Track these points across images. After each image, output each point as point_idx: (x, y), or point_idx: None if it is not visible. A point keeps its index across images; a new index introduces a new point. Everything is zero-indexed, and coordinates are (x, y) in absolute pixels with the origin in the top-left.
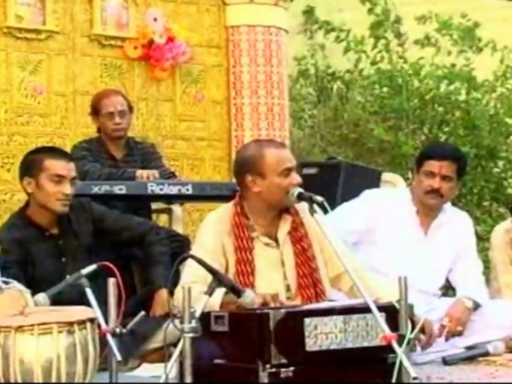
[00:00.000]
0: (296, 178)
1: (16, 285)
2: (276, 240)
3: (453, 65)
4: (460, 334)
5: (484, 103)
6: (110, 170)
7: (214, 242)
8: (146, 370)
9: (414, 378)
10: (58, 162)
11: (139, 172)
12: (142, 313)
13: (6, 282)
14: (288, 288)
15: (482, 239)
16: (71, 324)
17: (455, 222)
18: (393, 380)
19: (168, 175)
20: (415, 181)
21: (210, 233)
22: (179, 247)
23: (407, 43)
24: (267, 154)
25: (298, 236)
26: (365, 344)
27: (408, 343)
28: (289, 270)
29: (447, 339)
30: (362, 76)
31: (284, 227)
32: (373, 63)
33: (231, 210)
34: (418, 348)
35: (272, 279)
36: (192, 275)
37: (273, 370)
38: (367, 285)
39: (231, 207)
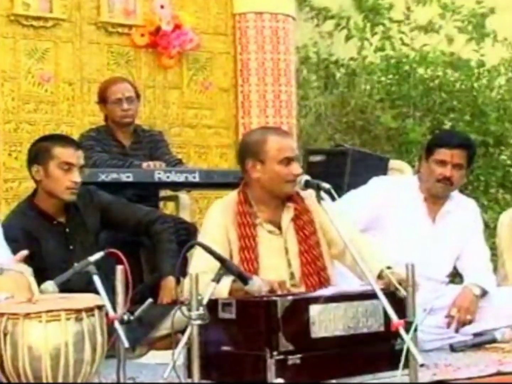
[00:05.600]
0: (296, 169)
1: (15, 267)
2: (280, 228)
3: (452, 54)
4: (470, 322)
5: (491, 88)
6: (116, 163)
7: (219, 232)
8: (154, 357)
9: (422, 365)
10: (67, 150)
11: (145, 165)
12: (150, 300)
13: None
14: (292, 276)
15: (489, 227)
16: (79, 311)
17: (463, 209)
18: (400, 367)
19: (175, 163)
20: (423, 168)
21: (215, 223)
22: (186, 235)
23: (411, 29)
24: (269, 140)
25: (301, 223)
26: (372, 330)
27: (415, 329)
28: (293, 258)
29: (457, 330)
30: (366, 64)
31: (287, 214)
32: (376, 50)
33: (235, 198)
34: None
35: (276, 266)
36: (202, 265)
37: (281, 357)
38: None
39: (235, 196)
